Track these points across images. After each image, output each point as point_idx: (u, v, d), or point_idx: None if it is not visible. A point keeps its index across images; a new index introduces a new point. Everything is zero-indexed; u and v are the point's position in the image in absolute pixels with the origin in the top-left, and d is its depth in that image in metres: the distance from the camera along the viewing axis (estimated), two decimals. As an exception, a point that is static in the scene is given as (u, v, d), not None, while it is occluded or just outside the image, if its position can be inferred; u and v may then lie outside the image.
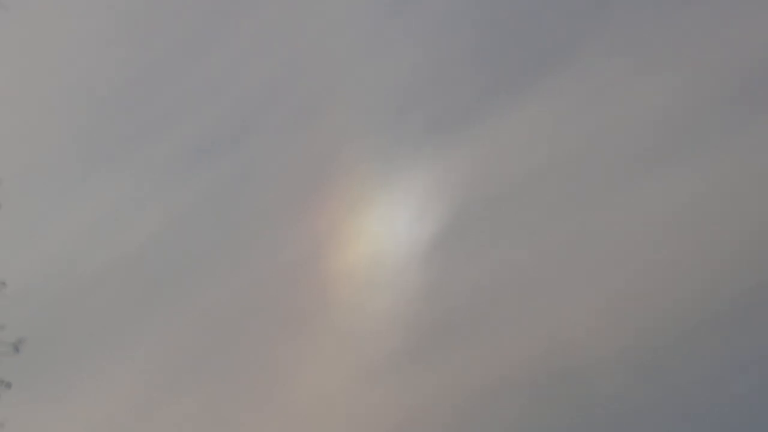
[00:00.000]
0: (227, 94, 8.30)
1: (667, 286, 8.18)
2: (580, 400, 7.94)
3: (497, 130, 8.17)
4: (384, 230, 8.10)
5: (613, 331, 8.23)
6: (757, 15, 8.75)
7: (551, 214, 8.64)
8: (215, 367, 8.32)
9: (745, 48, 8.79)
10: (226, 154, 8.23)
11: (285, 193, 8.22)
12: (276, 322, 8.32)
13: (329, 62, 8.37)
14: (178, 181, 8.42)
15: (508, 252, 8.59)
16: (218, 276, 8.43)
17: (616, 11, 8.58)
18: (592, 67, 8.14)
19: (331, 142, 7.94)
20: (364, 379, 8.28)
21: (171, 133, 8.40)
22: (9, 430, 4.45)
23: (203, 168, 8.61)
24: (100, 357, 8.09)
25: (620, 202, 8.67)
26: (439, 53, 8.61)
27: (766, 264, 8.29)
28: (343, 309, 8.26)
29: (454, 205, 8.31)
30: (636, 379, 7.84)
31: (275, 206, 8.25)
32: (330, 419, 8.27)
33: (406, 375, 8.55)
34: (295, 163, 8.16)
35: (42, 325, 7.39)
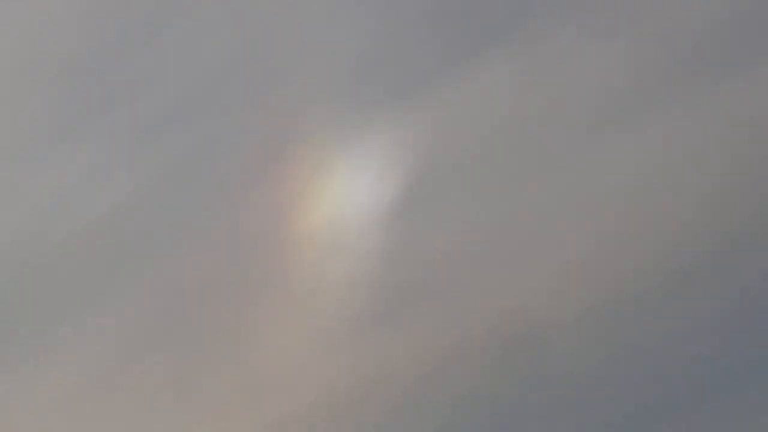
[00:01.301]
0: (187, 67, 8.28)
1: (624, 253, 8.30)
2: (539, 363, 8.18)
3: (455, 95, 8.18)
4: (345, 197, 8.19)
5: (571, 298, 8.38)
6: None
7: (510, 181, 8.82)
8: (180, 334, 8.42)
9: (700, 13, 8.97)
10: (188, 125, 8.19)
11: (246, 162, 8.38)
12: (240, 289, 8.43)
13: (285, 31, 8.42)
14: (142, 151, 8.38)
15: (468, 218, 8.75)
16: (182, 245, 8.52)
17: None
18: (548, 33, 8.27)
19: (290, 111, 8.02)
20: (327, 344, 8.37)
21: (134, 106, 8.39)
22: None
23: (165, 139, 8.57)
24: (65, 326, 8.16)
25: (578, 167, 8.84)
26: (396, 19, 8.61)
27: (719, 232, 8.50)
28: (305, 275, 8.37)
29: (415, 170, 8.40)
30: (594, 343, 8.02)
31: (237, 175, 8.39)
32: (294, 383, 8.43)
33: (369, 339, 8.65)
34: (255, 133, 8.29)
35: (6, 294, 7.46)
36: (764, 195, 8.60)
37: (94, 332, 8.51)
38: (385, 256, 8.73)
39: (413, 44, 9.88)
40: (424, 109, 9.84)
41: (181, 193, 8.95)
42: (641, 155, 9.53)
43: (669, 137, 9.13)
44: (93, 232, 8.52)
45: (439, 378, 9.29)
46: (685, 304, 8.32)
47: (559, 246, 9.24)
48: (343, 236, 8.42)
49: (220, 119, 9.19)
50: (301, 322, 8.33)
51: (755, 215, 8.80)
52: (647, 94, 9.70)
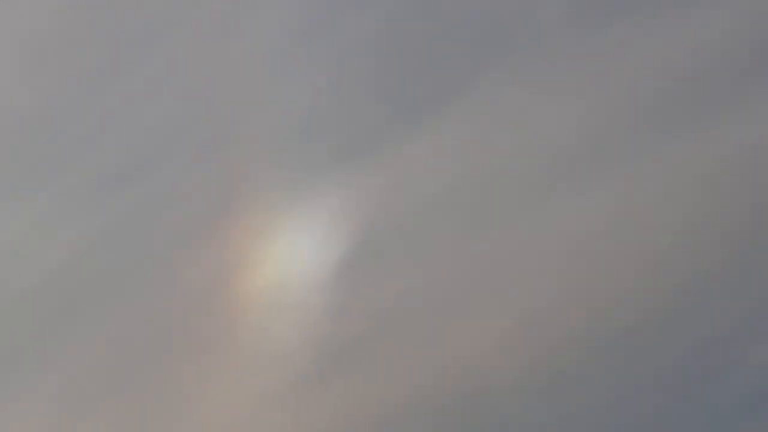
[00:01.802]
0: (137, 124, 8.39)
1: (572, 306, 8.44)
2: (485, 421, 8.28)
3: (401, 156, 8.39)
4: (290, 256, 8.33)
5: (518, 352, 8.53)
6: (657, 43, 9.26)
7: (457, 238, 9.03)
8: (127, 387, 8.47)
9: (647, 74, 9.27)
10: (137, 182, 8.30)
11: (193, 220, 8.54)
12: (185, 344, 8.54)
13: (236, 93, 8.63)
14: (91, 206, 8.53)
15: (414, 276, 8.90)
16: (129, 300, 8.66)
17: (519, 40, 9.12)
18: (495, 94, 8.51)
19: (238, 171, 8.18)
20: (269, 402, 8.45)
21: (84, 161, 8.56)
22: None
23: (115, 195, 8.66)
24: (10, 384, 8.19)
25: (525, 224, 8.99)
26: (343, 83, 8.82)
27: (670, 283, 8.74)
28: (249, 333, 8.45)
29: (360, 230, 8.56)
30: (541, 399, 8.15)
31: (183, 233, 8.54)
32: None
33: (311, 398, 8.70)
34: (202, 192, 8.44)
35: None
36: (710, 249, 8.72)
37: (40, 389, 8.48)
38: (330, 315, 8.77)
39: (359, 109, 10.03)
40: (371, 169, 9.99)
41: (130, 248, 9.02)
42: (589, 213, 9.65)
43: (617, 194, 9.29)
44: (38, 289, 8.54)
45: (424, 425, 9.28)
46: (629, 360, 8.41)
47: (502, 303, 9.29)
48: (288, 294, 8.46)
49: (169, 177, 9.29)
50: (246, 380, 8.33)
51: (702, 271, 8.90)
52: (595, 153, 9.85)
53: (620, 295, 9.05)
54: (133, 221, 9.14)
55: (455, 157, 9.45)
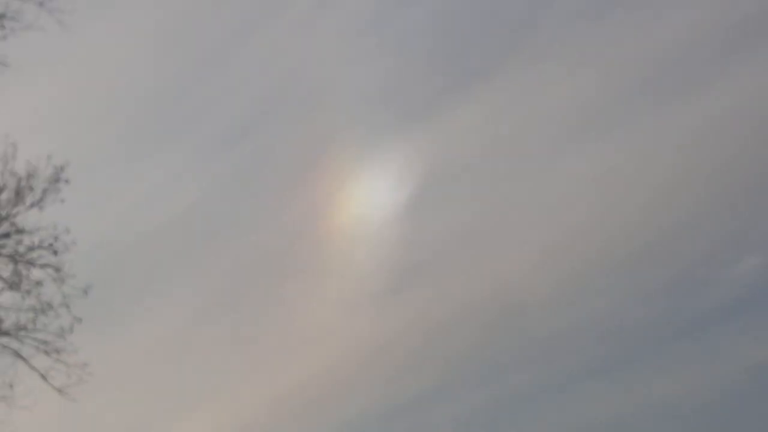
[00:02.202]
0: (245, 96, 11.39)
1: (582, 238, 11.39)
2: (520, 327, 11.01)
3: (450, 120, 11.40)
4: (367, 197, 11.06)
5: (544, 274, 11.27)
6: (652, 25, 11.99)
7: (494, 184, 11.94)
8: (239, 303, 11.06)
9: (643, 53, 12.01)
10: (246, 142, 11.29)
11: (290, 170, 11.19)
12: (287, 266, 11.11)
13: (323, 69, 11.59)
14: (211, 161, 11.54)
15: (462, 213, 11.77)
16: (243, 233, 11.30)
17: (540, 23, 11.89)
18: (521, 71, 11.28)
19: (326, 130, 10.90)
20: (353, 310, 11.12)
21: (206, 125, 11.42)
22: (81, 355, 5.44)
23: (230, 151, 11.82)
24: (152, 298, 10.67)
25: (546, 175, 11.91)
26: (404, 63, 12.02)
27: (655, 222, 11.84)
28: (336, 257, 11.12)
29: (420, 177, 11.49)
30: (561, 309, 10.99)
31: (284, 181, 11.18)
32: (325, 341, 10.99)
33: (385, 307, 11.39)
34: (298, 147, 11.15)
35: (106, 274, 9.56)
36: (690, 191, 11.34)
37: (176, 302, 11.11)
38: (398, 242, 11.42)
39: (417, 83, 12.83)
40: (426, 132, 12.76)
41: (242, 195, 11.71)
42: (597, 161, 12.20)
43: (619, 150, 11.80)
44: (172, 225, 11.29)
45: (440, 339, 12.16)
46: (628, 278, 10.96)
47: (531, 235, 12.01)
48: (365, 227, 11.03)
49: (272, 137, 11.94)
50: (334, 293, 10.93)
51: (688, 215, 11.63)
52: (601, 117, 12.51)
53: (619, 227, 11.70)
54: (245, 172, 11.83)
55: (492, 120, 12.13)
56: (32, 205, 5.12)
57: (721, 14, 10.99)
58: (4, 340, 5.21)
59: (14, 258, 5.14)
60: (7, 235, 5.12)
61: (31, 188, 5.08)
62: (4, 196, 5.07)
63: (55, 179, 5.10)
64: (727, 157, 10.58)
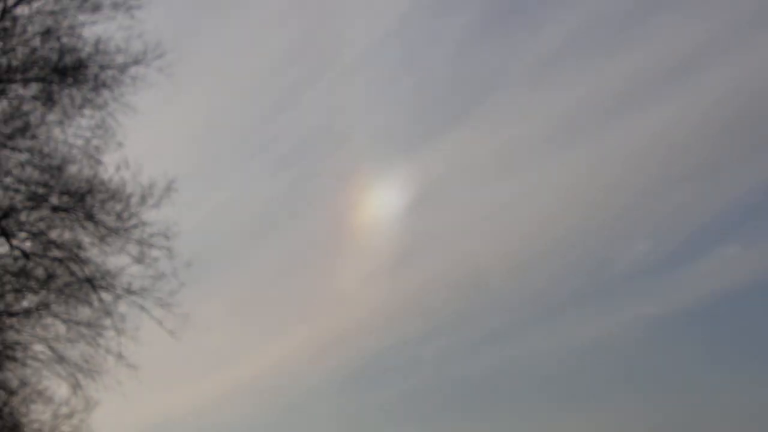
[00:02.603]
0: (296, 134, 16.55)
1: (526, 230, 16.56)
2: (484, 291, 16.19)
3: (435, 150, 16.38)
4: (381, 202, 15.01)
5: (502, 256, 15.94)
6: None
7: (468, 193, 17.08)
8: (297, 271, 14.97)
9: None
10: (300, 164, 16.05)
11: (331, 184, 15.05)
12: (327, 249, 14.97)
13: (349, 117, 16.75)
14: (273, 177, 16.39)
15: (446, 213, 16.75)
16: (299, 225, 15.28)
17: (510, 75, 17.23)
18: (499, 104, 16.61)
19: (352, 157, 14.75)
20: (371, 279, 15.43)
21: (269, 154, 16.48)
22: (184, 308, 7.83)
23: (286, 171, 16.74)
24: (233, 269, 14.94)
25: (500, 190, 16.81)
26: (402, 115, 17.71)
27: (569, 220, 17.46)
28: (360, 242, 14.85)
29: (416, 189, 16.17)
30: (514, 280, 16.00)
31: (326, 190, 15.04)
32: (354, 298, 15.12)
33: (393, 277, 16.11)
34: (335, 169, 15.02)
35: (202, 252, 12.03)
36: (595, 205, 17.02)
37: (250, 271, 15.88)
38: (404, 232, 16.29)
39: (411, 125, 19.12)
40: (428, 154, 18.77)
41: (297, 199, 16.76)
42: (583, 159, 16.91)
43: (597, 151, 16.49)
44: (250, 220, 16.98)
45: (431, 298, 17.41)
46: (556, 257, 16.18)
47: (493, 229, 17.60)
48: (381, 220, 15.39)
49: (317, 162, 17.40)
50: (360, 265, 15.14)
51: (589, 217, 17.45)
52: (578, 128, 17.60)
53: (547, 225, 16.90)
54: (300, 183, 17.01)
55: (477, 142, 17.78)
56: (152, 206, 7.18)
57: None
58: (134, 297, 7.30)
59: (140, 242, 7.21)
60: (135, 226, 7.18)
61: (151, 194, 7.16)
62: (134, 199, 7.13)
63: (168, 188, 7.19)
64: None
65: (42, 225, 7.12)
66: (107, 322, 7.49)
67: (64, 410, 7.96)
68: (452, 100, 19.65)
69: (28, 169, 6.92)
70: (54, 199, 6.99)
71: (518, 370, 18.82)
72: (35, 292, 7.35)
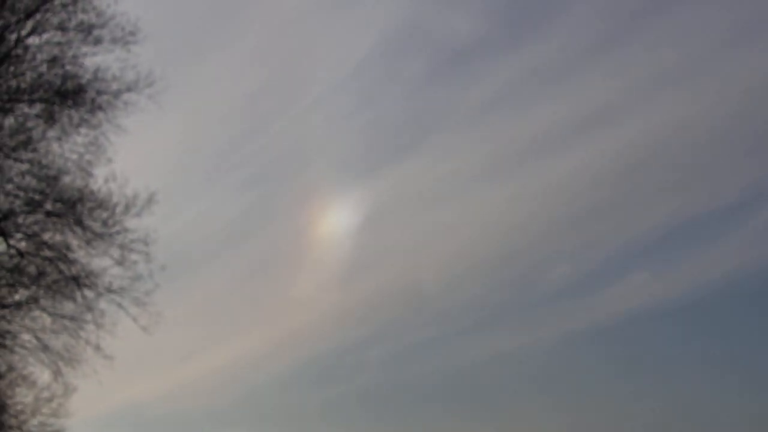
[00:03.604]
0: (264, 156, 18.60)
1: (467, 242, 18.81)
2: (424, 298, 18.14)
3: (386, 176, 18.95)
4: (337, 219, 16.53)
5: (443, 269, 17.97)
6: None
7: (412, 215, 19.33)
8: (260, 276, 16.65)
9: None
10: (270, 182, 17.73)
11: (292, 202, 16.67)
12: (288, 259, 16.67)
13: (310, 144, 18.94)
14: (241, 195, 18.36)
15: (393, 232, 18.99)
16: (262, 237, 17.18)
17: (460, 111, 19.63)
18: (442, 140, 19.01)
19: (313, 181, 16.41)
20: (326, 286, 17.33)
21: (237, 174, 18.58)
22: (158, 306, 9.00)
23: (252, 190, 18.91)
24: (202, 274, 16.37)
25: (464, 205, 18.78)
26: (357, 144, 19.95)
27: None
28: (318, 253, 16.25)
29: (368, 209, 18.10)
30: (456, 288, 17.82)
31: (287, 207, 16.66)
32: (310, 302, 16.94)
33: (346, 285, 18.11)
34: (298, 190, 16.72)
35: (176, 257, 12.84)
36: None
37: (218, 273, 17.61)
38: (354, 248, 18.06)
39: (365, 154, 20.95)
40: (380, 178, 20.70)
41: (261, 216, 18.45)
42: (483, 202, 18.89)
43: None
44: (219, 231, 18.51)
45: (375, 306, 19.38)
46: (497, 269, 18.01)
47: (436, 245, 19.52)
48: (335, 237, 16.94)
49: (282, 182, 18.95)
50: (314, 276, 16.92)
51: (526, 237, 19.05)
52: (510, 167, 19.29)
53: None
54: (264, 201, 18.85)
55: (413, 176, 19.80)
56: (135, 215, 8.08)
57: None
58: (113, 295, 8.18)
59: (122, 246, 8.09)
60: (118, 232, 8.07)
61: (135, 204, 8.05)
62: (119, 208, 8.02)
63: (149, 200, 8.11)
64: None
65: (36, 227, 8.03)
66: (88, 316, 8.40)
67: (46, 394, 8.83)
68: (401, 135, 23.51)
69: (28, 178, 7.85)
70: (48, 205, 7.91)
71: (450, 376, 21.98)
72: (26, 287, 8.24)
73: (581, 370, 22.49)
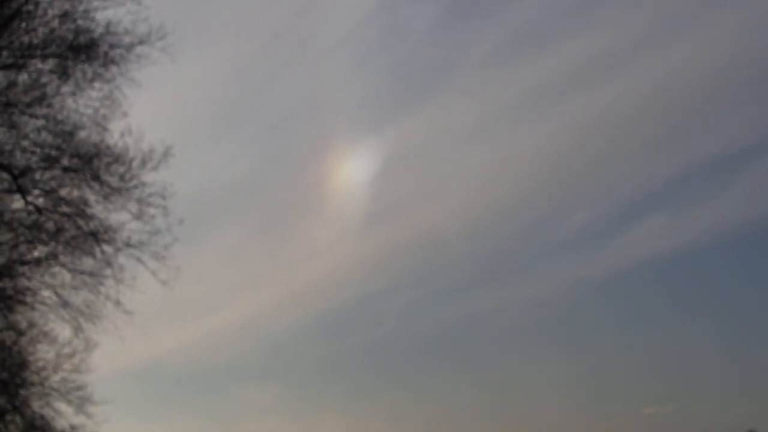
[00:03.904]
0: (280, 107, 18.28)
1: (468, 197, 18.80)
2: (442, 246, 18.41)
3: (400, 125, 18.29)
4: (352, 169, 16.21)
5: (455, 221, 18.21)
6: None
7: (425, 164, 19.01)
8: (280, 225, 17.03)
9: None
10: (287, 131, 17.68)
11: (309, 151, 16.61)
12: (305, 208, 16.76)
13: (325, 92, 18.34)
14: (261, 143, 18.22)
15: (407, 181, 18.66)
16: (279, 187, 17.19)
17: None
18: (460, 84, 18.53)
19: (328, 129, 16.24)
20: (342, 233, 17.30)
21: (256, 124, 18.34)
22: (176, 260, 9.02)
23: (272, 138, 18.70)
24: (222, 225, 16.68)
25: (484, 152, 18.38)
26: (374, 92, 19.38)
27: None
28: (334, 203, 16.23)
29: (383, 158, 17.83)
30: (464, 244, 18.05)
31: (304, 157, 16.43)
32: (330, 249, 17.07)
33: (361, 232, 18.00)
34: (313, 139, 16.61)
35: (194, 210, 13.05)
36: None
37: (237, 225, 18.08)
38: (370, 196, 18.04)
39: (381, 101, 20.76)
40: (391, 131, 20.49)
41: (278, 164, 18.38)
42: (545, 133, 18.92)
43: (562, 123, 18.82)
44: (236, 183, 18.67)
45: (413, 258, 19.27)
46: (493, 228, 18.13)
47: (447, 198, 19.69)
48: (350, 187, 16.81)
49: (299, 132, 18.85)
50: (332, 223, 17.06)
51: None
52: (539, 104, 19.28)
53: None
54: (282, 150, 19.14)
55: (424, 126, 19.71)
56: (151, 169, 8.08)
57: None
58: (132, 250, 8.21)
59: (139, 201, 8.11)
60: (135, 187, 8.07)
61: (151, 158, 8.05)
62: (135, 162, 8.03)
63: (165, 153, 8.10)
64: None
65: (53, 183, 8.04)
66: (108, 272, 8.44)
67: (67, 350, 8.89)
68: (420, 79, 23.18)
69: (44, 134, 7.85)
70: (65, 161, 7.92)
71: (472, 324, 22.24)
72: (45, 243, 8.28)
73: (601, 317, 22.44)
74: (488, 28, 23.86)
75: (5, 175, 7.97)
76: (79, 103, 7.85)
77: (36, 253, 8.50)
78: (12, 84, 7.86)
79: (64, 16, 7.70)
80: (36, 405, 9.07)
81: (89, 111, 7.86)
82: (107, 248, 8.40)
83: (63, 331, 8.97)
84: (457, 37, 24.70)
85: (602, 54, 24.06)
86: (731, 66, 23.46)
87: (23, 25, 7.64)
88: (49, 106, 7.86)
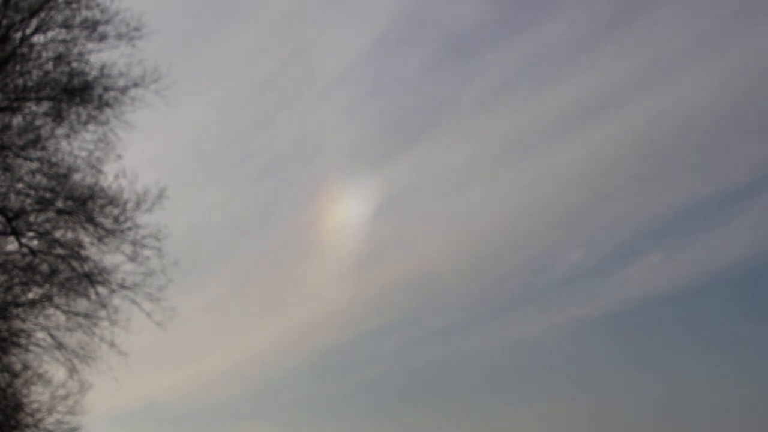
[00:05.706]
0: (274, 149, 18.92)
1: (470, 230, 19.06)
2: (440, 287, 18.61)
3: (395, 167, 18.91)
4: (348, 210, 16.51)
5: (451, 258, 18.41)
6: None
7: (421, 204, 19.49)
8: (271, 269, 16.84)
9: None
10: (278, 175, 17.91)
11: (303, 193, 16.77)
12: (300, 251, 16.68)
13: (322, 135, 18.98)
14: (252, 187, 18.39)
15: (403, 221, 19.12)
16: (272, 229, 17.31)
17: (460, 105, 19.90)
18: (453, 126, 19.22)
19: (324, 171, 16.54)
20: (338, 276, 17.39)
21: (248, 167, 18.42)
22: (171, 302, 9.04)
23: (264, 182, 19.23)
24: (214, 268, 16.36)
25: (477, 192, 19.02)
26: (368, 135, 20.08)
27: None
28: (329, 244, 16.19)
29: (379, 199, 18.28)
30: (464, 280, 18.04)
31: (299, 199, 16.71)
32: (323, 293, 17.00)
33: (357, 274, 18.09)
34: (308, 181, 16.87)
35: (188, 252, 13.04)
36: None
37: (228, 269, 17.66)
38: (365, 238, 18.15)
39: (376, 143, 20.92)
40: (387, 169, 20.69)
41: (269, 207, 18.56)
42: (484, 196, 19.01)
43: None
44: (227, 225, 18.62)
45: (389, 294, 19.33)
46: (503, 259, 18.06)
47: (444, 234, 19.60)
48: (346, 228, 16.92)
49: (293, 174, 18.98)
50: (327, 266, 16.90)
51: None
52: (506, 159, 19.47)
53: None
54: (273, 193, 19.01)
55: (419, 166, 19.95)
56: (146, 211, 8.07)
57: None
58: (126, 292, 8.18)
59: (134, 242, 8.09)
60: (130, 228, 8.06)
61: (145, 200, 8.05)
62: (129, 204, 8.02)
63: (160, 195, 8.10)
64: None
65: (48, 226, 8.04)
66: (102, 313, 8.41)
67: (61, 392, 8.84)
68: (411, 123, 23.85)
69: (38, 176, 7.85)
70: (59, 203, 7.91)
71: (465, 364, 22.47)
72: (40, 285, 8.26)
73: (596, 356, 22.65)
74: (478, 72, 24.33)
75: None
76: (74, 145, 7.92)
77: (30, 295, 8.48)
78: (6, 127, 7.88)
79: (59, 58, 7.72)
80: (31, 446, 9.02)
81: (84, 153, 7.94)
82: (102, 290, 8.39)
83: (57, 372, 8.95)
84: (447, 81, 25.15)
85: (592, 97, 24.39)
86: (720, 106, 23.65)
87: (18, 67, 7.66)
88: (44, 148, 7.87)
